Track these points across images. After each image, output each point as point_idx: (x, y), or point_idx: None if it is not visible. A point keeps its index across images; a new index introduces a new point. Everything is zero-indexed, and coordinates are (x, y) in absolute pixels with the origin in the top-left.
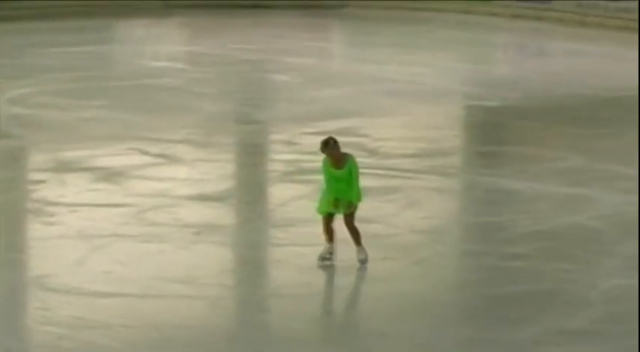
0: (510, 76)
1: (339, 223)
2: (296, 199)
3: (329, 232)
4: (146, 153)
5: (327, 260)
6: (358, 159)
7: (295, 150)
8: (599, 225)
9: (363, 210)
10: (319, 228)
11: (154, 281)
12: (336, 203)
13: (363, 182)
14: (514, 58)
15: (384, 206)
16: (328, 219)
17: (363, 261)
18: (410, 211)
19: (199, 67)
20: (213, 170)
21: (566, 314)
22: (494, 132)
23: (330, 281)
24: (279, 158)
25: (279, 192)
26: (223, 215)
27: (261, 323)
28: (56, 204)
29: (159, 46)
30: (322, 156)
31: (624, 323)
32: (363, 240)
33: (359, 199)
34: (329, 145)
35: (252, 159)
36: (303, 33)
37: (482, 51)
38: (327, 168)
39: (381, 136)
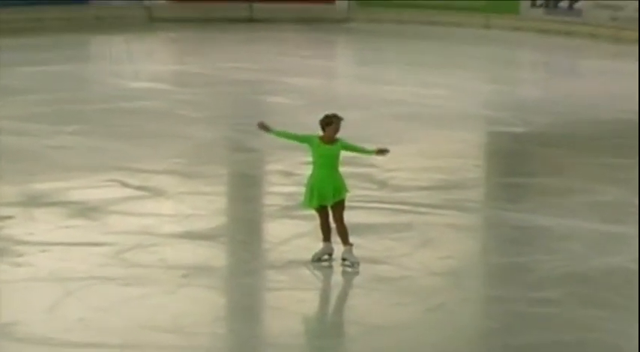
0: (537, 98)
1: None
2: (296, 237)
3: (325, 229)
4: (127, 186)
5: (322, 261)
6: (366, 192)
7: (295, 181)
8: (637, 266)
9: (371, 249)
10: (322, 270)
11: (136, 330)
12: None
13: (371, 218)
14: (541, 78)
15: (395, 245)
16: (321, 213)
17: (351, 265)
18: (425, 251)
19: (187, 89)
20: (202, 204)
21: None
22: (520, 161)
23: (335, 330)
24: (276, 191)
25: (276, 230)
26: (214, 255)
27: None
28: (25, 242)
29: (141, 65)
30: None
31: None
32: (371, 284)
33: (346, 190)
34: (340, 118)
35: (246, 192)
36: (304, 50)
37: (505, 70)
38: (317, 146)
39: (392, 166)
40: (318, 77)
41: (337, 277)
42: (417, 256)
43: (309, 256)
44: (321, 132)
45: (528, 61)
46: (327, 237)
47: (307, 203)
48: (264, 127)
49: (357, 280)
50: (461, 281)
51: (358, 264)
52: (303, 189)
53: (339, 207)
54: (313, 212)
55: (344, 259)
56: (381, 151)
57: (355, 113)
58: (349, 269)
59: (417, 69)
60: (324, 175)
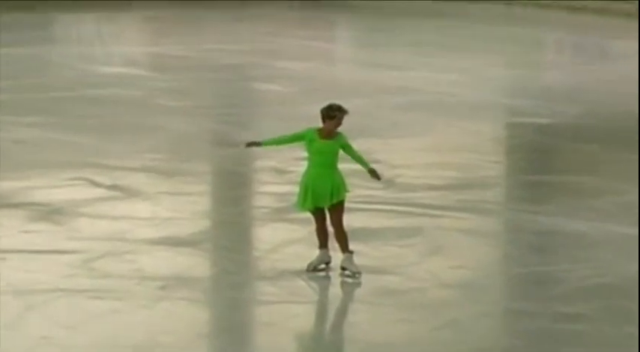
0: (565, 85)
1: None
2: (289, 244)
3: (321, 235)
4: (97, 185)
5: (319, 271)
6: (369, 192)
7: (288, 180)
8: None
9: (375, 257)
10: (318, 281)
11: (107, 350)
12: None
13: (375, 221)
14: (570, 62)
15: (401, 252)
16: (318, 216)
17: (352, 275)
18: (435, 259)
19: (166, 74)
20: (183, 206)
21: None
22: (545, 157)
23: (333, 349)
24: (267, 190)
25: (267, 235)
26: (196, 264)
27: None
28: None
29: (113, 47)
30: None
31: None
32: (374, 297)
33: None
34: (344, 111)
35: (232, 192)
36: (299, 30)
37: (529, 52)
38: (314, 140)
39: (399, 162)
40: (315, 61)
41: (336, 289)
42: (426, 265)
43: (303, 265)
44: (319, 124)
45: (555, 43)
46: (324, 244)
47: (301, 205)
48: (253, 144)
49: (358, 292)
50: (476, 294)
51: (359, 274)
52: (296, 189)
53: (337, 210)
54: (308, 215)
55: (343, 268)
56: (374, 174)
57: (357, 102)
58: (349, 280)
59: (427, 51)
60: (321, 173)
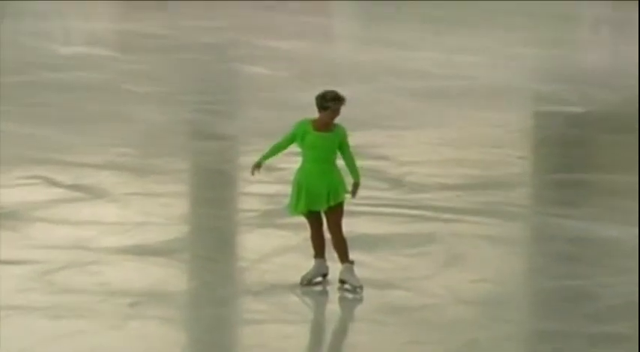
0: (602, 68)
1: None
2: (280, 253)
3: (317, 242)
4: (55, 184)
5: (314, 284)
6: (373, 193)
7: (278, 178)
8: None
9: (380, 268)
10: (314, 297)
11: None
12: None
13: (380, 227)
14: (608, 41)
15: (412, 263)
16: (313, 220)
17: (352, 289)
18: (452, 271)
19: (136, 55)
20: (156, 209)
21: None
22: (578, 152)
23: None
24: (254, 191)
25: (254, 243)
26: (171, 277)
27: None
28: None
29: (74, 23)
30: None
31: None
32: (379, 315)
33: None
34: (341, 100)
35: (214, 193)
36: (290, 2)
37: (560, 29)
38: (307, 133)
39: (409, 158)
40: (309, 39)
41: (334, 306)
42: (440, 278)
43: (297, 278)
44: (315, 114)
45: (590, 18)
46: (320, 253)
47: (294, 207)
48: (256, 167)
49: (360, 310)
50: (499, 312)
51: (361, 288)
52: (288, 189)
53: (335, 213)
54: (302, 219)
55: (342, 282)
56: (355, 189)
57: (358, 87)
58: (349, 296)
59: (440, 28)
60: (316, 171)
